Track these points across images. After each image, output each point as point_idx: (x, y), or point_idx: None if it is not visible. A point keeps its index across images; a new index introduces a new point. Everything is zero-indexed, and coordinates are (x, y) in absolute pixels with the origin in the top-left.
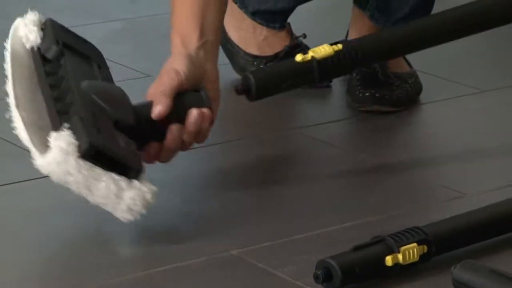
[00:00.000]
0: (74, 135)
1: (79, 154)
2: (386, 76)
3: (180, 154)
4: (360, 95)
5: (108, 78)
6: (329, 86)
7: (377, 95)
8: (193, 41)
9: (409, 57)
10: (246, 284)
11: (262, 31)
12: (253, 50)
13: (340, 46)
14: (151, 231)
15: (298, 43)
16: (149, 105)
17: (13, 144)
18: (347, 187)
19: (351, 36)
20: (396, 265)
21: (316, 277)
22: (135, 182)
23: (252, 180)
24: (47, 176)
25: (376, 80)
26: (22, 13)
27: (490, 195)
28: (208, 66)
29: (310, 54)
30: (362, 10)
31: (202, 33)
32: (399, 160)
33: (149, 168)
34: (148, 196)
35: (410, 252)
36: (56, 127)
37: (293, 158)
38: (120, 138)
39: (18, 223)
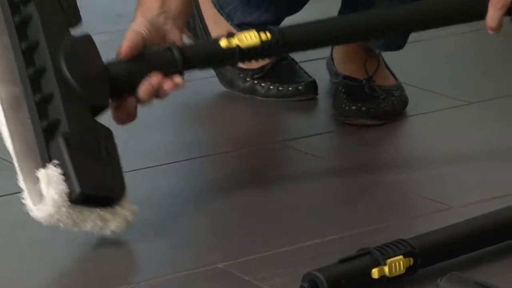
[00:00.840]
0: (64, 178)
1: (70, 202)
2: (372, 89)
3: (167, 168)
4: (347, 108)
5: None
6: (315, 98)
7: (363, 108)
8: (154, 10)
9: (395, 69)
10: None
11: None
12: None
13: (268, 35)
14: (138, 244)
15: (285, 56)
16: (120, 62)
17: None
18: (333, 199)
19: (336, 49)
20: (383, 277)
21: None
22: (118, 209)
23: (238, 193)
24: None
25: (362, 93)
26: None
27: (475, 207)
28: (168, 26)
29: (235, 41)
30: None
31: (162, 5)
32: (385, 172)
33: (136, 181)
34: (130, 218)
35: (396, 264)
36: (44, 161)
37: (279, 171)
38: (102, 147)
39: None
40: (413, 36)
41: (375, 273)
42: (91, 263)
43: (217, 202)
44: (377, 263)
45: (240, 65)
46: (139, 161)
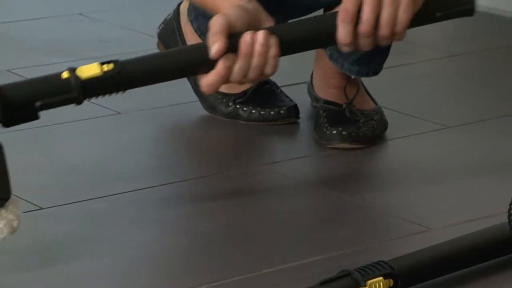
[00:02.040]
0: None
1: None
2: (352, 113)
3: (152, 191)
4: (328, 132)
5: None
6: (296, 122)
7: (344, 132)
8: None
9: (375, 94)
10: None
11: None
12: (222, 87)
13: (111, 66)
14: (121, 266)
15: (266, 80)
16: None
17: None
18: (314, 222)
19: (315, 75)
20: None
21: None
22: (2, 211)
23: (221, 215)
24: None
25: (343, 117)
26: None
27: (454, 229)
28: (263, 17)
29: (78, 71)
30: (324, 50)
31: None
32: (365, 195)
33: (121, 204)
34: (15, 223)
35: (376, 285)
36: None
37: (262, 194)
38: None
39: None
40: (391, 62)
41: None
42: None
43: (201, 224)
44: (357, 285)
45: (222, 89)
46: (122, 184)
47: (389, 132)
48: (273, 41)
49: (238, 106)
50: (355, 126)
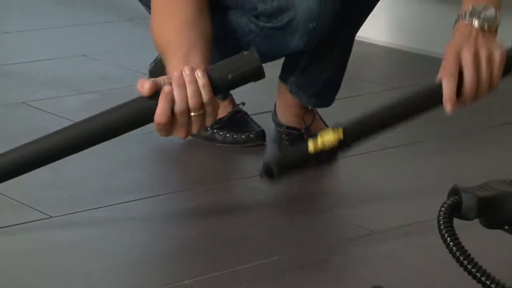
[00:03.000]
0: None
1: None
2: (309, 135)
3: (143, 202)
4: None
5: None
6: (263, 144)
7: None
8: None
9: (328, 120)
10: None
11: None
12: None
13: None
14: (118, 264)
15: (238, 109)
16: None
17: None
18: (279, 227)
19: (278, 105)
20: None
21: None
22: None
23: (202, 222)
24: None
25: (302, 140)
26: None
27: (393, 231)
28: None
29: None
30: (285, 85)
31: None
32: (320, 204)
33: (116, 213)
34: None
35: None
36: None
37: (235, 204)
38: None
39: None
40: (340, 94)
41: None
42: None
43: (186, 230)
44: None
45: None
46: (120, 196)
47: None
48: (200, 73)
49: (215, 131)
50: None
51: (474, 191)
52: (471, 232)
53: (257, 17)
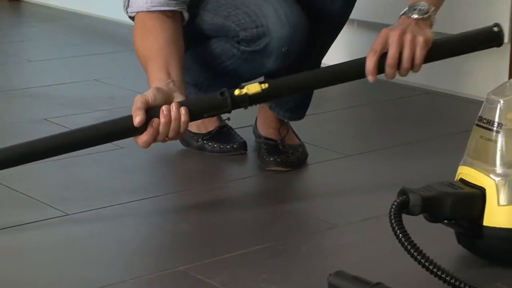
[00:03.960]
0: None
1: None
2: (283, 146)
3: (144, 201)
4: (267, 159)
5: None
6: (245, 153)
7: (278, 159)
8: (162, 81)
9: (299, 133)
10: None
11: None
12: (193, 128)
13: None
14: (124, 254)
15: (224, 124)
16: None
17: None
18: (257, 222)
19: (259, 120)
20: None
21: None
22: None
23: (195, 219)
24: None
25: (277, 149)
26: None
27: (354, 225)
28: (176, 94)
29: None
30: (266, 103)
31: (169, 76)
32: (291, 203)
33: (121, 211)
34: None
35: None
36: None
37: (223, 202)
38: None
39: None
40: (310, 111)
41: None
42: (79, 273)
43: (179, 224)
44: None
45: (194, 130)
46: (124, 196)
47: (308, 160)
48: (183, 110)
49: (204, 142)
50: (285, 155)
51: (418, 191)
52: (417, 226)
53: (238, 42)
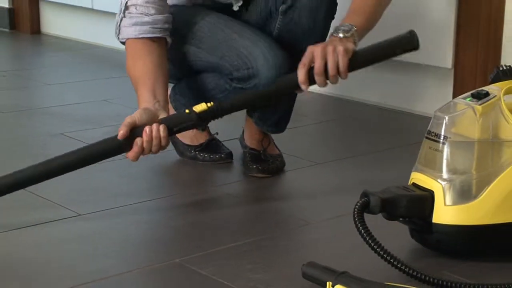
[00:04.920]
0: None
1: None
2: (265, 156)
3: (144, 203)
4: (250, 167)
5: None
6: (231, 162)
7: (260, 167)
8: (149, 102)
9: (279, 144)
10: (181, 282)
11: (193, 131)
12: (187, 141)
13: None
14: (127, 248)
15: (213, 137)
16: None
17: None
18: (243, 220)
19: (245, 132)
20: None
21: None
22: None
23: (189, 217)
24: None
25: (260, 158)
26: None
27: (326, 222)
28: (160, 113)
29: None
30: (251, 118)
31: (154, 97)
32: (271, 203)
33: (124, 212)
34: None
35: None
36: None
37: (212, 204)
38: None
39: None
40: (289, 126)
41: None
42: (82, 263)
43: (176, 223)
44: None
45: (187, 142)
46: (128, 199)
47: (286, 167)
48: (162, 128)
49: (197, 153)
50: (266, 164)
51: (378, 194)
52: (377, 223)
53: (231, 80)
